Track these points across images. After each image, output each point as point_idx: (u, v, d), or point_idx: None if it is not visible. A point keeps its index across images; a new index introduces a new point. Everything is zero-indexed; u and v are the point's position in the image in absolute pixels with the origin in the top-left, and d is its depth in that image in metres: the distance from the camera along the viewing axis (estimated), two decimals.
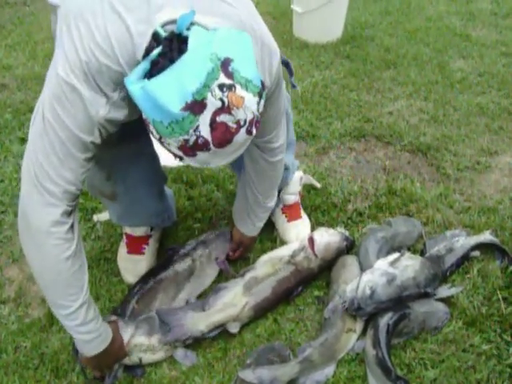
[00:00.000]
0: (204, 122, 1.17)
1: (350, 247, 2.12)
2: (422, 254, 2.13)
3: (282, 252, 2.05)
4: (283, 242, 2.24)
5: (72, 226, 1.48)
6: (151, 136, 1.29)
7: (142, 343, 1.79)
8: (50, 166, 1.38)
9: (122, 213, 2.03)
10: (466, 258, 2.12)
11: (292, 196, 2.30)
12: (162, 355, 1.83)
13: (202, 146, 1.20)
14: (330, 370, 1.76)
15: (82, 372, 1.77)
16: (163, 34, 1.24)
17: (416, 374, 1.75)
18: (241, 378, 1.70)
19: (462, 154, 2.79)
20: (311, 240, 2.06)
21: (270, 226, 2.28)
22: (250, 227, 2.06)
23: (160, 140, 1.25)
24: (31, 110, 3.09)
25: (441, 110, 3.19)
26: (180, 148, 1.22)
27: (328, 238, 2.08)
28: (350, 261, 2.05)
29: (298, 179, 2.30)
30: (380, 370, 1.71)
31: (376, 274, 1.88)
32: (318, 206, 2.42)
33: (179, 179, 2.60)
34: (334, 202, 2.44)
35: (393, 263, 1.93)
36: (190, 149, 1.21)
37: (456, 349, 1.83)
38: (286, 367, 1.74)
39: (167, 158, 2.27)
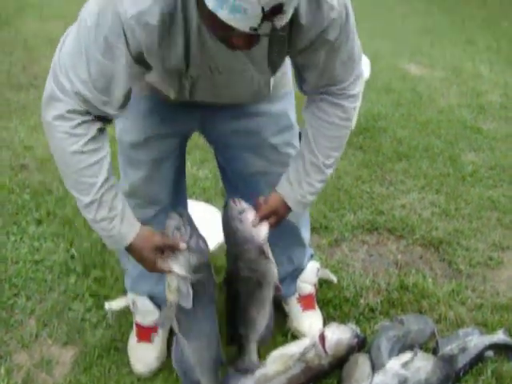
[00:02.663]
0: None
1: (360, 344, 2.09)
2: (435, 352, 2.10)
3: (293, 349, 2.02)
4: (295, 334, 2.23)
5: (83, 125, 1.49)
6: None
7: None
8: (70, 63, 1.45)
9: (137, 276, 2.06)
10: (479, 358, 2.08)
11: (308, 286, 2.29)
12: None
13: None
14: None
15: None
16: None
17: None
18: None
19: (474, 249, 2.80)
20: (322, 337, 2.04)
21: (281, 319, 2.27)
22: (297, 197, 1.77)
23: None
24: (49, 193, 3.20)
25: (452, 203, 3.22)
26: None
27: (339, 334, 2.05)
28: (362, 360, 2.02)
29: (315, 270, 2.31)
30: None
31: (388, 376, 1.86)
32: (330, 300, 2.41)
33: None
34: (346, 296, 2.43)
35: (405, 364, 1.91)
36: None
37: None
38: None
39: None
